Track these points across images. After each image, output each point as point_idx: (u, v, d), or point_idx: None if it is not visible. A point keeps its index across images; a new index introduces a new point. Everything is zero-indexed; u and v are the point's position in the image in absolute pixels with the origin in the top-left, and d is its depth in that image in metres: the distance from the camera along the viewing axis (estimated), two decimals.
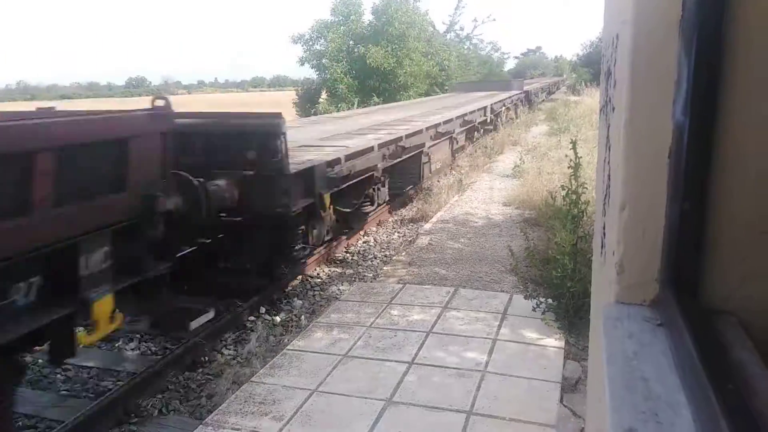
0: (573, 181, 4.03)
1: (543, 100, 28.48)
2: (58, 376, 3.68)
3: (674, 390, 0.81)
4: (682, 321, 0.90)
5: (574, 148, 4.07)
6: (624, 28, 1.04)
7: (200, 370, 3.77)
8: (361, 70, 27.10)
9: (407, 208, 8.08)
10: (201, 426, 2.91)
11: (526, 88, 24.52)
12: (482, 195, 8.04)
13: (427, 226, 6.65)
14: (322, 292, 5.03)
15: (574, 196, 4.02)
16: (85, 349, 3.63)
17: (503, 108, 16.93)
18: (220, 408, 3.06)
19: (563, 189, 4.10)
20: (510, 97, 18.80)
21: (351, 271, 5.63)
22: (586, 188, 4.10)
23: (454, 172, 9.60)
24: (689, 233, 0.92)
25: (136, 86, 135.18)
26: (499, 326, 3.86)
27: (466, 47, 40.41)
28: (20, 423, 3.19)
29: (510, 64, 62.26)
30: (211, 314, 3.74)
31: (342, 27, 28.30)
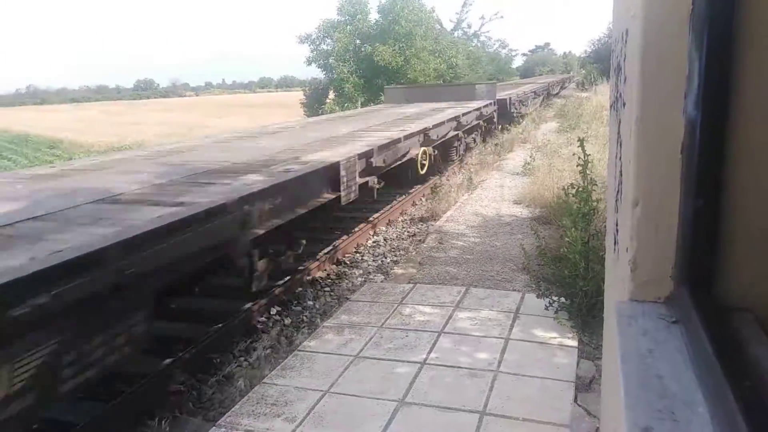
0: (583, 179, 4.01)
1: (531, 113, 19.26)
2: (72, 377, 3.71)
3: (690, 388, 0.80)
4: (698, 318, 0.89)
5: (582, 145, 4.05)
6: (634, 23, 1.04)
7: (212, 372, 3.79)
8: (368, 69, 27.17)
9: (417, 207, 8.07)
10: (214, 428, 2.92)
11: (503, 95, 15.71)
12: (492, 193, 8.02)
13: (437, 225, 6.64)
14: (332, 293, 5.03)
15: (584, 194, 4.00)
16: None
17: (420, 153, 7.52)
18: (232, 410, 3.07)
19: (573, 187, 4.08)
20: (456, 118, 9.73)
21: (360, 272, 5.63)
22: (596, 186, 4.08)
23: (463, 170, 9.59)
24: (703, 229, 0.91)
25: (144, 89, 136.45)
26: (512, 325, 3.84)
27: (473, 45, 40.36)
28: (35, 426, 3.22)
29: (518, 61, 62.14)
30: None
31: (348, 26, 28.40)
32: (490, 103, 13.60)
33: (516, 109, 16.53)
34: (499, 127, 14.71)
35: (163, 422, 3.22)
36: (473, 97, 13.99)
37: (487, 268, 4.99)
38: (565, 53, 73.14)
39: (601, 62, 34.80)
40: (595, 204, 4.00)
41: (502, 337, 3.67)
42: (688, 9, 0.89)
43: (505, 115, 15.27)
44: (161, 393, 3.47)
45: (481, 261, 5.20)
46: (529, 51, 74.07)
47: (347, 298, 4.67)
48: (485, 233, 6.11)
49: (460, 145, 10.37)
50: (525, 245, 4.97)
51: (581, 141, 4.10)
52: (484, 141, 13.01)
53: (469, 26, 41.36)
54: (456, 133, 9.82)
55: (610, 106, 1.50)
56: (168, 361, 3.72)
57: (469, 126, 10.94)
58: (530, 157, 9.52)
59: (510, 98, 15.72)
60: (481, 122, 12.46)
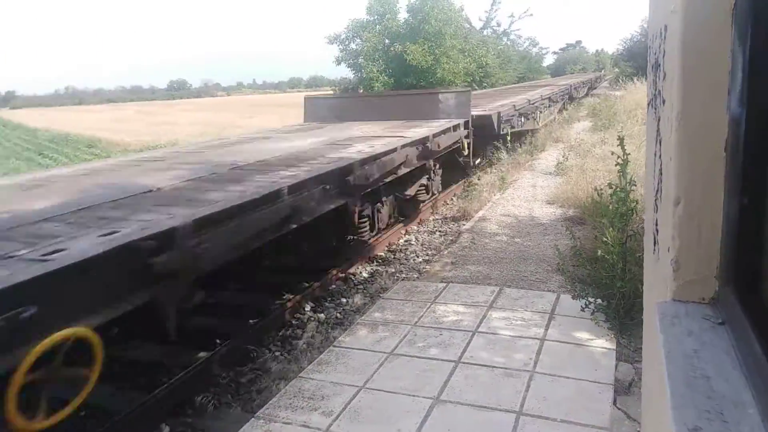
0: (621, 179, 3.95)
1: (543, 128, 13.64)
2: (116, 368, 3.83)
3: (739, 389, 0.80)
4: (745, 319, 0.88)
5: (621, 144, 3.99)
6: (673, 18, 1.03)
7: (249, 365, 3.88)
8: (397, 68, 27.20)
9: (448, 206, 8.06)
10: (253, 419, 2.99)
11: (489, 108, 10.59)
12: (525, 193, 7.95)
13: (469, 224, 6.62)
14: (365, 291, 5.08)
15: (622, 194, 3.93)
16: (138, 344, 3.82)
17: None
18: (270, 402, 3.14)
19: (610, 187, 4.01)
20: (342, 173, 4.88)
21: (393, 270, 5.66)
22: (635, 186, 4.00)
23: (494, 169, 9.51)
24: (748, 228, 0.90)
25: (177, 89, 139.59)
26: (547, 326, 3.81)
27: (503, 43, 39.97)
28: (82, 413, 3.35)
29: (549, 60, 61.23)
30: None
31: (378, 26, 28.48)
32: (457, 126, 8.16)
33: (513, 126, 10.77)
34: (476, 161, 9.61)
35: (203, 412, 3.33)
36: (435, 114, 8.85)
37: (521, 269, 4.96)
38: (597, 51, 71.79)
39: (634, 60, 34.01)
40: (633, 204, 3.93)
41: (537, 338, 3.65)
42: (730, 3, 0.88)
43: (491, 139, 10.04)
44: (201, 384, 3.58)
45: (515, 261, 5.17)
46: (560, 49, 72.92)
47: (380, 296, 4.71)
48: (518, 233, 6.07)
49: (378, 214, 5.88)
50: (559, 246, 4.92)
51: (621, 139, 4.04)
52: (441, 191, 8.01)
53: (499, 25, 40.97)
54: (343, 202, 4.98)
55: (648, 104, 1.49)
56: (207, 353, 3.82)
57: (381, 181, 5.59)
58: (563, 156, 9.39)
59: (498, 114, 9.79)
60: (429, 163, 6.98)
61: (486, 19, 39.73)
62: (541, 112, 13.97)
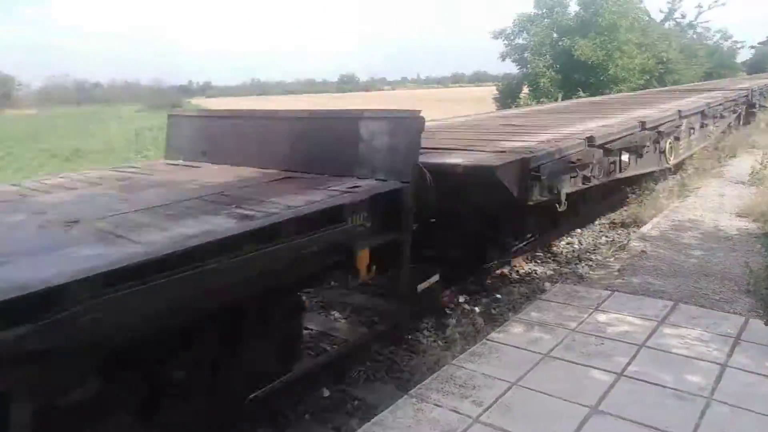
0: None
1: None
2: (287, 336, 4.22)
3: None
4: None
5: None
6: None
7: (403, 346, 4.02)
8: (565, 63, 25.95)
9: (617, 211, 7.52)
10: (406, 396, 3.10)
11: (483, 153, 4.58)
12: (709, 203, 7.11)
13: (641, 231, 6.11)
14: (522, 289, 4.96)
15: None
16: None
17: None
18: (423, 383, 3.22)
19: None
20: None
21: (552, 272, 5.46)
22: None
23: (675, 175, 8.60)
24: None
25: (346, 82, 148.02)
26: (731, 351, 3.39)
27: (688, 36, 36.11)
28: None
29: (745, 55, 53.56)
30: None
31: (546, 20, 27.41)
32: (336, 210, 3.09)
33: (585, 180, 5.20)
34: (422, 285, 4.22)
35: (359, 384, 3.54)
36: (349, 162, 3.82)
37: (701, 285, 4.46)
38: None
39: None
40: None
41: (717, 363, 3.27)
42: None
43: (505, 221, 5.29)
44: (360, 357, 3.80)
45: (694, 276, 4.66)
46: (759, 43, 63.08)
47: (538, 297, 4.56)
48: (699, 246, 5.46)
49: None
50: (751, 264, 4.35)
51: None
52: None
53: (683, 16, 37.00)
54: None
55: None
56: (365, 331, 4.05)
57: None
58: (759, 164, 8.22)
59: (522, 161, 4.29)
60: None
61: (668, 11, 36.18)
62: (678, 139, 8.25)
